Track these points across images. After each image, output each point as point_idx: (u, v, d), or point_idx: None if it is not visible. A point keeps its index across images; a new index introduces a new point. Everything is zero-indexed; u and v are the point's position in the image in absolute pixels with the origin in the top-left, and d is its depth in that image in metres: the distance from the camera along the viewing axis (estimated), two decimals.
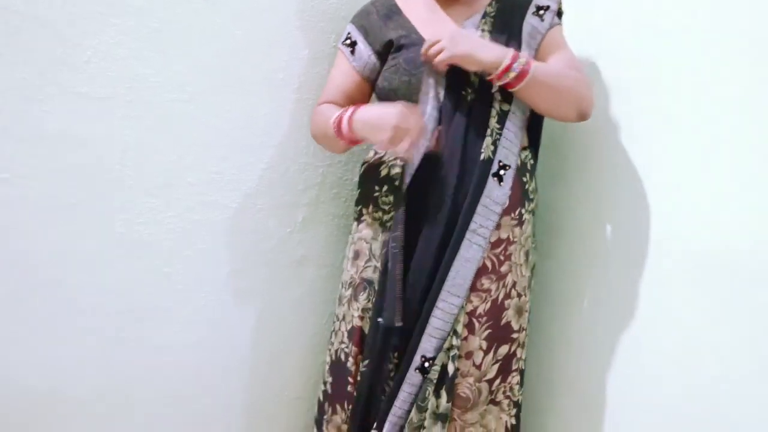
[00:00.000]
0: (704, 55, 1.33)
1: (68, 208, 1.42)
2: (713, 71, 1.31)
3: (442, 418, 1.44)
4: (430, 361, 1.43)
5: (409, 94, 1.46)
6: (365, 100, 1.59)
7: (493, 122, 1.45)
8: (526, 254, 1.52)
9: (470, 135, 1.44)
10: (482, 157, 1.43)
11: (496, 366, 1.48)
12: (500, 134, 1.45)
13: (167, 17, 1.48)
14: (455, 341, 1.44)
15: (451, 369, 1.43)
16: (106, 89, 1.42)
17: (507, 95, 1.44)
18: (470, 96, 1.45)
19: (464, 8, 1.51)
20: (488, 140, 1.44)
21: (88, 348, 1.49)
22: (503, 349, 1.48)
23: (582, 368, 1.62)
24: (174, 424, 1.66)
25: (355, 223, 1.59)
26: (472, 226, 1.42)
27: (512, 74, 1.35)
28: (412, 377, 1.44)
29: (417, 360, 1.44)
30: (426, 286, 1.44)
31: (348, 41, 1.56)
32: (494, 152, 1.44)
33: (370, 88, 1.59)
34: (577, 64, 1.49)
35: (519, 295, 1.50)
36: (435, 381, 1.44)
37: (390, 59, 1.50)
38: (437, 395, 1.44)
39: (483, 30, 1.47)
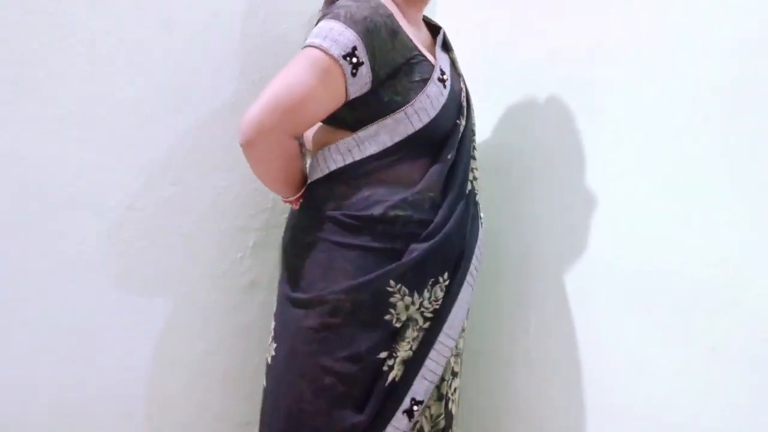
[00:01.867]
0: (641, 72, 1.38)
1: (19, 228, 1.40)
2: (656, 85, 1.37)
3: None
4: (419, 405, 1.36)
5: (425, 132, 1.33)
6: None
7: (474, 162, 1.48)
8: None
9: (469, 183, 1.44)
10: (477, 199, 1.47)
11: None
12: (476, 172, 1.49)
13: (120, 39, 1.47)
14: (456, 382, 1.44)
15: (454, 411, 1.43)
16: (60, 110, 1.41)
17: (474, 132, 1.48)
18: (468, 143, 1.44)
19: (421, 29, 1.47)
20: (476, 182, 1.47)
21: (40, 370, 1.46)
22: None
23: (530, 394, 1.66)
24: None
25: None
26: (471, 268, 1.42)
27: None
28: (399, 420, 1.35)
29: (407, 402, 1.35)
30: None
31: (354, 60, 1.22)
32: (476, 196, 1.48)
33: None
34: None
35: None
36: (444, 429, 1.42)
37: (403, 76, 1.31)
38: None
39: (451, 60, 1.48)
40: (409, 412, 1.35)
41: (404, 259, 1.32)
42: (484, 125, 1.76)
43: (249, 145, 1.24)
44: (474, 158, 1.48)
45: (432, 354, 1.37)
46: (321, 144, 1.40)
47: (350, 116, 1.33)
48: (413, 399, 1.36)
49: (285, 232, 1.46)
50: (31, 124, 1.36)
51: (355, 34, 1.22)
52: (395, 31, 1.29)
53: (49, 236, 1.43)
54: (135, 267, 1.57)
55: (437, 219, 1.34)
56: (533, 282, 1.64)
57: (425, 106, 1.31)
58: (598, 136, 1.46)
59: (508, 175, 1.70)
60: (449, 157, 1.37)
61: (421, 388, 1.36)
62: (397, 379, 1.34)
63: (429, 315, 1.36)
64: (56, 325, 1.47)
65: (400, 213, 1.31)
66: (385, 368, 1.33)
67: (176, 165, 1.60)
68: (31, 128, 1.36)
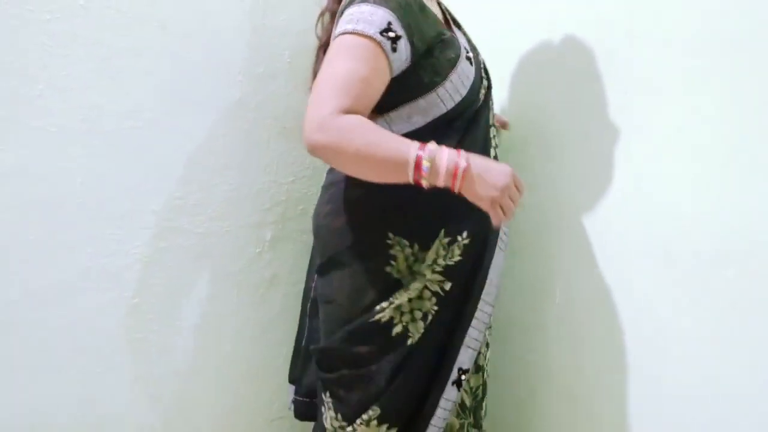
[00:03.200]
0: (683, 59, 1.35)
1: (29, 244, 1.38)
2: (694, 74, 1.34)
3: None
4: (466, 373, 1.35)
5: (456, 111, 1.30)
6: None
7: (495, 131, 1.45)
8: None
9: (493, 145, 1.43)
10: None
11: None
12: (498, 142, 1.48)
13: (117, 44, 1.45)
14: (488, 353, 1.44)
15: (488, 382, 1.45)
16: (61, 121, 1.39)
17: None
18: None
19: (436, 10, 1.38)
20: (498, 150, 1.46)
21: (63, 385, 1.46)
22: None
23: (559, 361, 1.63)
24: None
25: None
26: (500, 233, 1.39)
27: None
28: (449, 392, 1.34)
29: (454, 373, 1.34)
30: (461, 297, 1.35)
31: (392, 33, 1.16)
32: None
33: None
34: None
35: None
36: (485, 392, 1.45)
37: (438, 53, 1.27)
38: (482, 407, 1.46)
39: (462, 34, 1.44)
40: (458, 383, 1.34)
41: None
42: (512, 97, 1.73)
43: (319, 149, 1.13)
44: (494, 126, 1.45)
45: (474, 322, 1.35)
46: None
47: (384, 98, 1.22)
48: (460, 369, 1.35)
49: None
50: (33, 137, 1.35)
51: (387, 10, 1.17)
52: (423, 6, 1.25)
53: (61, 250, 1.42)
54: (153, 272, 1.57)
55: None
56: (558, 252, 1.61)
57: (457, 86, 1.27)
58: (629, 111, 1.42)
59: (532, 147, 1.67)
60: (474, 129, 1.34)
61: (466, 357, 1.35)
62: (413, 342, 1.30)
63: (443, 274, 1.30)
64: (75, 339, 1.46)
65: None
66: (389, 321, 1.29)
67: (185, 166, 1.59)
68: (34, 141, 1.36)
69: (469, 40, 1.45)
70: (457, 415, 1.40)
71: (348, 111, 1.12)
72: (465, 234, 1.32)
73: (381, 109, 1.26)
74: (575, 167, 1.55)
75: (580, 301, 1.55)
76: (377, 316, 1.28)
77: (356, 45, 1.15)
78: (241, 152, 1.69)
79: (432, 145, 1.11)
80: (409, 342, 1.30)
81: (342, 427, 1.32)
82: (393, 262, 1.29)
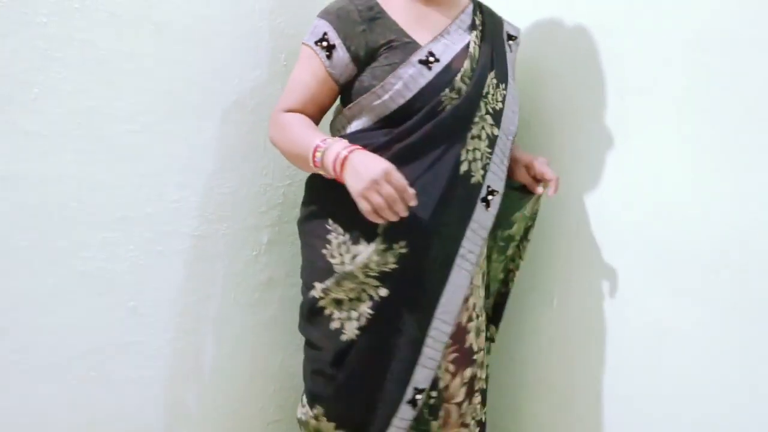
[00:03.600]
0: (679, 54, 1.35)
1: (23, 250, 1.38)
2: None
3: None
4: (422, 392, 1.39)
5: (404, 113, 1.36)
6: (332, 102, 1.48)
7: (483, 146, 1.41)
8: (483, 275, 1.53)
9: (461, 158, 1.38)
10: (472, 181, 1.40)
11: (464, 389, 1.48)
12: (489, 159, 1.42)
13: (112, 47, 1.45)
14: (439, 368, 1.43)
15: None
16: (56, 125, 1.39)
17: (497, 119, 1.43)
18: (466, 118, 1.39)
19: (447, 8, 1.45)
20: (479, 164, 1.40)
21: (59, 389, 1.45)
22: (468, 372, 1.48)
23: (554, 366, 1.64)
24: None
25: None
26: (461, 251, 1.40)
27: None
28: (404, 411, 1.39)
29: (409, 393, 1.39)
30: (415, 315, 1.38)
31: (324, 43, 1.37)
32: (484, 177, 1.41)
33: (339, 91, 1.45)
34: None
35: (478, 317, 1.50)
36: (432, 407, 1.43)
37: (383, 58, 1.36)
38: (437, 418, 1.45)
39: (475, 42, 1.42)
40: (413, 402, 1.39)
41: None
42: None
43: (270, 141, 1.45)
44: (474, 138, 1.40)
45: (428, 341, 1.38)
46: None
47: (343, 98, 1.47)
48: (416, 388, 1.39)
49: None
50: (28, 143, 1.35)
51: (325, 21, 1.38)
52: (375, 17, 1.37)
53: (57, 255, 1.42)
54: (149, 275, 1.56)
55: None
56: (556, 256, 1.62)
57: (399, 88, 1.34)
58: (627, 113, 1.42)
59: (528, 150, 1.66)
60: (435, 133, 1.36)
61: (422, 376, 1.39)
62: (348, 340, 1.38)
63: (378, 279, 1.36)
64: (71, 344, 1.46)
65: None
66: (326, 311, 1.40)
67: (180, 169, 1.58)
68: (29, 146, 1.35)
69: (480, 43, 1.43)
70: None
71: (292, 109, 1.40)
72: (403, 243, 1.34)
73: (344, 108, 1.45)
74: (573, 170, 1.55)
75: (577, 304, 1.56)
76: (315, 294, 1.41)
77: (302, 53, 1.42)
78: (237, 155, 1.68)
79: (330, 140, 1.28)
80: (343, 338, 1.38)
81: (304, 410, 1.46)
82: (328, 246, 1.40)
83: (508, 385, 1.76)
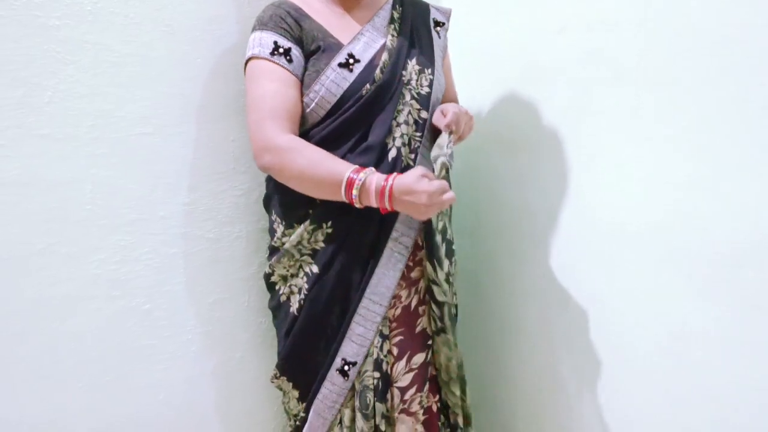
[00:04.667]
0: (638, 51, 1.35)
1: (39, 253, 1.38)
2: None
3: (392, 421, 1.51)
4: (350, 366, 1.46)
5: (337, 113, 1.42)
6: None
7: (411, 131, 1.46)
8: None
9: (388, 146, 1.44)
10: (402, 165, 1.43)
11: (410, 375, 1.51)
12: (420, 142, 1.47)
13: (124, 50, 1.45)
14: (381, 349, 1.47)
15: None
16: (69, 128, 1.39)
17: (425, 103, 1.48)
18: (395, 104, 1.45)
19: (365, 10, 1.50)
20: (406, 149, 1.44)
21: (74, 392, 1.45)
22: (418, 358, 1.52)
23: (568, 368, 1.62)
24: None
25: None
26: (394, 234, 1.45)
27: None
28: (333, 377, 1.47)
29: (338, 362, 1.46)
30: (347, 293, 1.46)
31: (280, 50, 1.38)
32: (414, 160, 1.46)
33: None
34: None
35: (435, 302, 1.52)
36: (376, 389, 1.47)
37: (311, 65, 1.42)
38: (383, 400, 1.48)
39: (392, 35, 1.47)
40: (342, 371, 1.46)
41: None
42: (520, 99, 1.73)
43: (268, 169, 1.40)
44: (401, 124, 1.45)
45: (356, 318, 1.45)
46: None
47: None
48: (344, 359, 1.46)
49: None
50: (41, 146, 1.35)
51: (267, 32, 1.40)
52: (299, 21, 1.42)
53: (71, 257, 1.42)
54: (163, 278, 1.56)
55: None
56: (572, 257, 1.61)
57: (323, 94, 1.40)
58: (641, 111, 1.41)
59: (544, 151, 1.66)
60: (343, 121, 1.41)
61: (350, 349, 1.46)
62: (294, 311, 1.49)
63: (310, 256, 1.46)
64: (85, 347, 1.46)
65: None
66: (276, 286, 1.54)
67: (193, 172, 1.59)
68: (43, 149, 1.35)
69: (401, 35, 1.50)
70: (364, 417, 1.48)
71: (282, 126, 1.35)
72: (329, 223, 1.43)
73: None
74: (588, 171, 1.53)
75: (593, 305, 1.54)
76: (267, 270, 1.53)
77: (257, 67, 1.39)
78: (249, 157, 1.68)
79: (367, 170, 1.30)
80: (291, 310, 1.49)
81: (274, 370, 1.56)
82: (275, 236, 1.51)
83: (525, 387, 1.75)
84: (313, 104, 1.40)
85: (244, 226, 1.69)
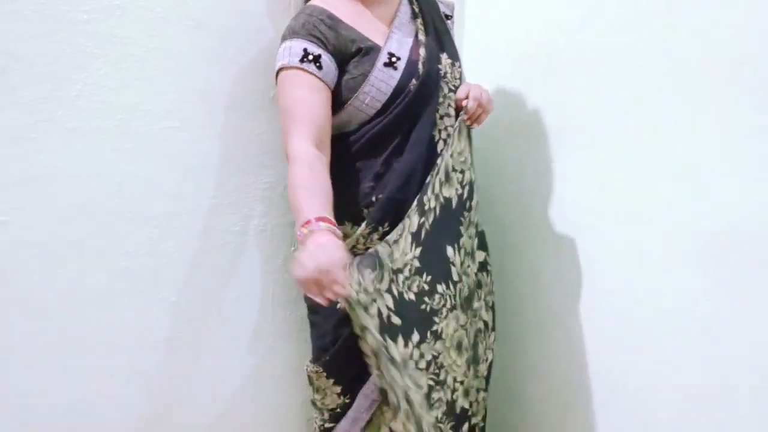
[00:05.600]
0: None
1: (69, 246, 1.39)
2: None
3: None
4: None
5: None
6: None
7: (451, 122, 1.54)
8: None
9: (435, 138, 1.52)
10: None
11: None
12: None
13: (152, 44, 1.46)
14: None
15: None
16: (98, 122, 1.40)
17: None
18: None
19: (384, 5, 1.53)
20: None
21: (103, 384, 1.47)
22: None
23: (591, 361, 1.61)
24: None
25: None
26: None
27: None
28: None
29: None
30: None
31: (309, 56, 1.40)
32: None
33: None
34: None
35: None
36: None
37: (353, 68, 1.44)
38: None
39: (421, 30, 1.53)
40: None
41: None
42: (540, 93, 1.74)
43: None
44: (444, 117, 1.53)
45: None
46: None
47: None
48: None
49: None
50: (70, 140, 1.36)
51: (298, 40, 1.41)
52: (334, 28, 1.43)
53: (100, 251, 1.43)
54: (190, 271, 1.57)
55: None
56: (596, 248, 1.60)
57: (374, 95, 1.43)
58: (667, 107, 1.39)
59: (567, 148, 1.66)
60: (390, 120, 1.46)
61: None
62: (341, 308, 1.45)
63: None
64: (113, 339, 1.47)
65: None
66: None
67: (218, 165, 1.59)
68: (71, 142, 1.36)
69: (426, 31, 1.53)
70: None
71: (308, 136, 1.37)
72: (386, 224, 1.45)
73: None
74: (616, 164, 1.52)
75: (617, 298, 1.53)
76: None
77: (289, 77, 1.41)
78: (274, 151, 1.68)
79: (312, 226, 1.24)
80: (339, 306, 1.40)
81: (308, 364, 1.54)
82: None
83: (546, 378, 1.74)
84: (364, 105, 1.44)
85: (270, 219, 1.69)
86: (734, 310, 1.26)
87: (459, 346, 1.51)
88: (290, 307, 1.76)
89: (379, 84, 1.43)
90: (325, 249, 1.21)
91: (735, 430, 1.26)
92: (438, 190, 1.48)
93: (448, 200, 1.49)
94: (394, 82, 1.44)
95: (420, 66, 1.47)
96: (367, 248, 1.44)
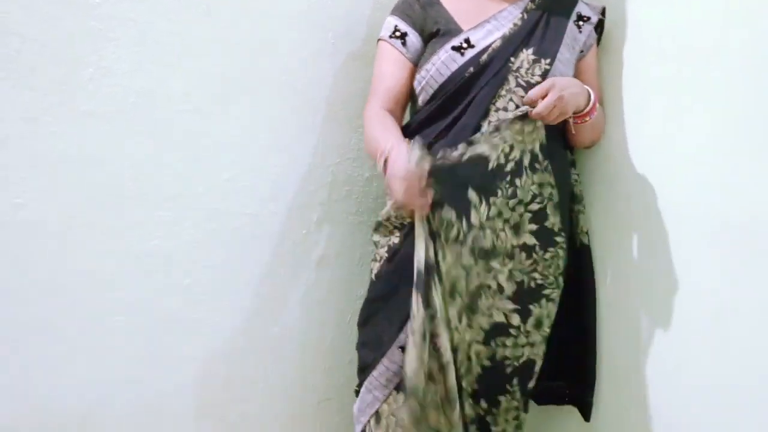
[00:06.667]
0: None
1: (84, 228, 1.41)
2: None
3: None
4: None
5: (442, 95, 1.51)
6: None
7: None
8: None
9: (482, 130, 1.49)
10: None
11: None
12: None
13: (165, 28, 1.46)
14: None
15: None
16: (111, 105, 1.41)
17: None
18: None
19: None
20: None
21: (117, 365, 1.49)
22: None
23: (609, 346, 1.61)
24: None
25: None
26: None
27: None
28: (394, 354, 1.51)
29: (401, 338, 1.49)
30: None
31: (397, 33, 1.56)
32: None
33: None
34: (601, 96, 1.61)
35: None
36: None
37: (429, 48, 1.54)
38: None
39: (515, 24, 1.51)
40: (404, 349, 1.44)
41: None
42: None
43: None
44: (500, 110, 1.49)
45: None
46: None
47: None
48: (401, 347, 1.48)
49: None
50: (84, 122, 1.37)
51: (393, 17, 1.58)
52: (430, 5, 1.56)
53: (114, 234, 1.45)
54: (203, 254, 1.58)
55: None
56: (613, 234, 1.60)
57: (433, 74, 1.50)
58: (682, 84, 1.39)
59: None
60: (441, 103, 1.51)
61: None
62: (372, 277, 1.60)
63: (397, 228, 1.55)
64: (127, 321, 1.49)
65: None
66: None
67: (231, 148, 1.60)
68: (85, 126, 1.38)
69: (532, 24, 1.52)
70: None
71: (380, 102, 1.55)
72: None
73: None
74: (636, 152, 1.51)
75: (634, 282, 1.52)
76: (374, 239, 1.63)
77: (378, 51, 1.60)
78: (287, 135, 1.69)
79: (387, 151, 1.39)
80: (371, 276, 1.58)
81: None
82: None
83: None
84: (424, 82, 1.52)
85: (281, 202, 1.70)
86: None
87: (452, 290, 1.45)
88: (304, 290, 1.77)
89: (440, 65, 1.49)
90: (401, 157, 1.34)
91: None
92: (476, 143, 1.44)
93: (482, 157, 1.43)
94: (454, 66, 1.48)
95: (485, 56, 1.48)
96: (401, 223, 1.52)
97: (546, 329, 1.53)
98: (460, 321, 1.46)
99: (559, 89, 1.37)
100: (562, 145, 1.58)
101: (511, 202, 1.45)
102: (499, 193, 1.44)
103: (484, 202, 1.43)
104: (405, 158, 1.33)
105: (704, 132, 1.34)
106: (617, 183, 1.58)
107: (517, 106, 1.46)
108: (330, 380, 1.83)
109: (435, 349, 1.39)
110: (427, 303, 1.37)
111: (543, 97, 1.37)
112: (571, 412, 1.67)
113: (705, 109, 1.33)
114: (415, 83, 1.56)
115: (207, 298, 1.60)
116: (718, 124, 1.30)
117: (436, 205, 1.39)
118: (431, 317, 1.37)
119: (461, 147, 1.41)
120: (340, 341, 1.83)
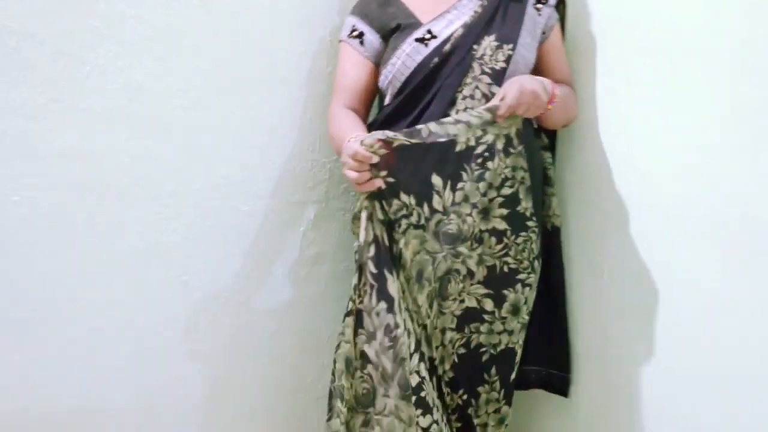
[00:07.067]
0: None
1: (80, 224, 1.42)
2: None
3: None
4: None
5: (415, 86, 1.51)
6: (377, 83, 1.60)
7: (478, 104, 1.50)
8: None
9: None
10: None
11: None
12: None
13: (162, 24, 1.46)
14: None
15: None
16: (108, 102, 1.41)
17: (497, 79, 1.49)
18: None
19: None
20: None
21: (111, 361, 1.50)
22: None
23: (605, 338, 1.61)
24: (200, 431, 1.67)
25: None
26: None
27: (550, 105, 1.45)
28: None
29: None
30: None
31: (354, 32, 1.57)
32: None
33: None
34: (570, 73, 1.61)
35: None
36: None
37: (390, 44, 1.54)
38: None
39: (476, 12, 1.51)
40: None
41: None
42: None
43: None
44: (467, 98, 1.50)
45: None
46: None
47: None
48: None
49: None
50: (81, 119, 1.38)
51: (352, 16, 1.60)
52: (387, 2, 1.57)
53: (109, 229, 1.45)
54: (200, 250, 1.59)
55: None
56: (606, 226, 1.58)
57: (399, 67, 1.51)
58: (673, 74, 1.37)
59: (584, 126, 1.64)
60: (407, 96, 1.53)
61: None
62: None
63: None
64: (124, 317, 1.50)
65: None
66: None
67: (228, 144, 1.60)
68: (82, 122, 1.38)
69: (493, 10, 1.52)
70: None
71: (342, 102, 1.58)
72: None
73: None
74: (625, 139, 1.51)
75: (629, 276, 1.52)
76: None
77: (340, 52, 1.62)
78: (284, 131, 1.69)
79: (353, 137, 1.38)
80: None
81: None
82: None
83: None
84: (391, 76, 1.53)
85: (279, 199, 1.70)
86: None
87: (419, 276, 1.46)
88: (301, 287, 1.77)
89: (405, 58, 1.50)
90: (357, 141, 1.34)
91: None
92: (445, 123, 1.42)
93: (450, 138, 1.41)
94: (419, 58, 1.49)
95: (448, 45, 1.49)
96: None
97: (525, 316, 1.55)
98: (431, 307, 1.48)
99: (518, 86, 1.39)
100: (535, 128, 1.60)
101: (482, 186, 1.44)
102: (465, 176, 1.43)
103: (448, 187, 1.43)
104: (359, 141, 1.34)
105: (687, 123, 1.33)
106: (596, 172, 1.58)
107: (485, 95, 1.49)
108: (327, 377, 1.82)
109: (392, 340, 1.39)
110: (384, 295, 1.40)
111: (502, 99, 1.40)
112: (555, 400, 1.68)
113: (690, 100, 1.33)
114: (381, 79, 1.57)
115: (203, 295, 1.61)
116: (703, 116, 1.30)
117: (389, 194, 1.40)
118: (388, 308, 1.39)
119: (431, 125, 1.40)
120: (335, 339, 1.82)
